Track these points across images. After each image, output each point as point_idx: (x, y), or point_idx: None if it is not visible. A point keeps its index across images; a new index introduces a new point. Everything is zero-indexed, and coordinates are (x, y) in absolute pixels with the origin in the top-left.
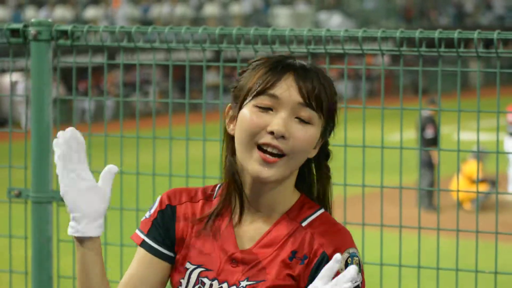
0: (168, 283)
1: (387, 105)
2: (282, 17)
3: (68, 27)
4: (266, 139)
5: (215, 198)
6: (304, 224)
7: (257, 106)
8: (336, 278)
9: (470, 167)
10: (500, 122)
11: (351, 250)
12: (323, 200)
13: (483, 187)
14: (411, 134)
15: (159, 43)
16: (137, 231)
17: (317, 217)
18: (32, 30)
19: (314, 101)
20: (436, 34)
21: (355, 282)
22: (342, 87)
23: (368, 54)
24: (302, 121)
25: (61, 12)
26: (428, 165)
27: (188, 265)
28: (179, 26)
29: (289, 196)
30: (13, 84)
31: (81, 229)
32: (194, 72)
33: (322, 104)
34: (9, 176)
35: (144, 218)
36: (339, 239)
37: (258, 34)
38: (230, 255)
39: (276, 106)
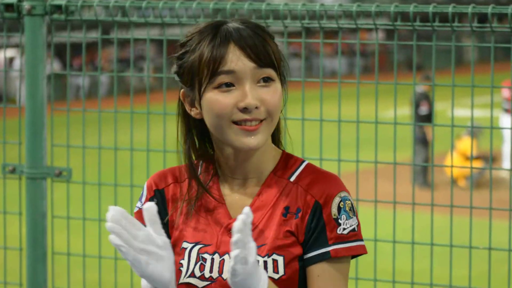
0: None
1: (382, 81)
2: None
3: (62, 2)
4: (241, 115)
5: (200, 174)
6: (292, 179)
7: (218, 87)
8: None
9: (464, 144)
10: (494, 98)
11: (342, 194)
12: (278, 137)
13: (478, 164)
14: (405, 111)
15: (153, 18)
16: None
17: (303, 169)
18: (26, 5)
19: (264, 58)
20: (430, 9)
21: (351, 226)
22: (336, 63)
23: (362, 29)
24: (265, 81)
25: None
26: (422, 141)
27: (185, 244)
28: (173, 0)
29: (272, 152)
30: (10, 60)
31: None
32: None
33: (271, 56)
34: (3, 152)
35: (136, 209)
36: (328, 185)
37: (252, 8)
38: (226, 226)
39: (236, 80)
